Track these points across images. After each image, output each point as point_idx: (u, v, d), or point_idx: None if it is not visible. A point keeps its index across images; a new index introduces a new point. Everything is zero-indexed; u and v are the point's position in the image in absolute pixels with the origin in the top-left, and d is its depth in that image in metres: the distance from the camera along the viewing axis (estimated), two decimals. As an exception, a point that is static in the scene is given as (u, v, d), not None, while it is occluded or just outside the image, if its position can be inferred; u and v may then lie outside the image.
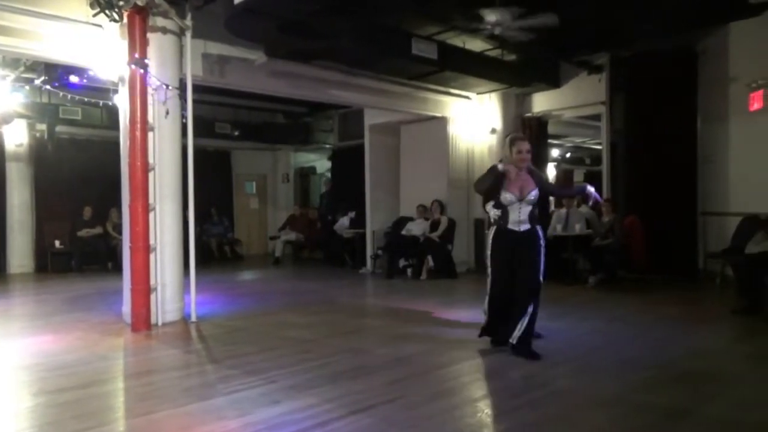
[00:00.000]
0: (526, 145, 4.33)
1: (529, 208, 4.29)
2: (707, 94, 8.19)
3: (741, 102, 7.37)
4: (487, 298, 4.55)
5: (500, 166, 4.29)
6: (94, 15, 5.27)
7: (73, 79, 7.30)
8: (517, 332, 4.22)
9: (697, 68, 8.27)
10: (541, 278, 4.33)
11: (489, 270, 4.50)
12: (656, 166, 8.39)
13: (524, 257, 4.28)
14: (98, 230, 10.58)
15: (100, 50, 5.65)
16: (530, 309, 4.24)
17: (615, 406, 3.30)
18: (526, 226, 4.29)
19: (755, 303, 5.69)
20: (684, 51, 8.29)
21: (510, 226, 4.31)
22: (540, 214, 9.70)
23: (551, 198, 11.35)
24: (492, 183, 4.32)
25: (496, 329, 4.48)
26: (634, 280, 8.13)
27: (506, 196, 4.28)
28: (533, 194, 4.27)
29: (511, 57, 8.39)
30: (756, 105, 6.94)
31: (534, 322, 4.30)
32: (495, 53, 8.10)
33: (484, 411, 3.36)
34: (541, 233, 4.38)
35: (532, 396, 3.50)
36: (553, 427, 3.04)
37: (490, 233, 4.47)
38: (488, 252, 4.50)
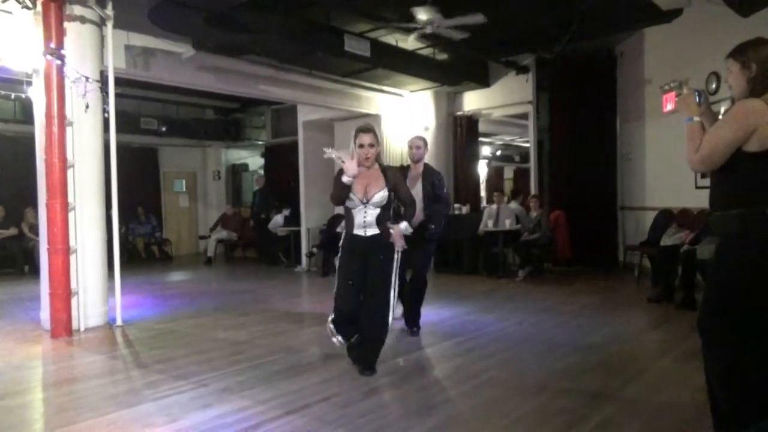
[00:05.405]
0: (368, 138, 3.70)
1: (377, 211, 3.73)
2: (625, 95, 8.68)
3: (655, 103, 7.83)
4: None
5: (332, 154, 3.65)
6: (4, 1, 4.93)
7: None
8: (373, 357, 3.84)
9: (616, 70, 8.75)
10: (393, 294, 3.79)
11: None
12: (579, 163, 8.81)
13: (372, 265, 3.75)
14: (12, 231, 9.92)
15: (11, 39, 5.29)
16: (382, 333, 3.81)
17: (541, 393, 3.44)
18: (373, 231, 3.74)
19: (668, 292, 6.09)
20: (604, 53, 8.74)
21: (355, 230, 3.78)
22: (472, 209, 9.91)
23: (482, 194, 11.68)
24: (341, 188, 3.69)
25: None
26: (559, 272, 8.50)
27: (350, 198, 3.74)
28: (378, 196, 3.70)
29: (443, 56, 8.54)
30: (669, 106, 7.39)
31: (382, 343, 3.90)
32: (427, 52, 8.22)
33: (417, 405, 3.41)
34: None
35: (462, 388, 3.59)
36: (484, 416, 3.13)
37: (341, 239, 3.94)
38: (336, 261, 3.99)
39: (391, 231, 3.80)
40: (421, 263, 5.01)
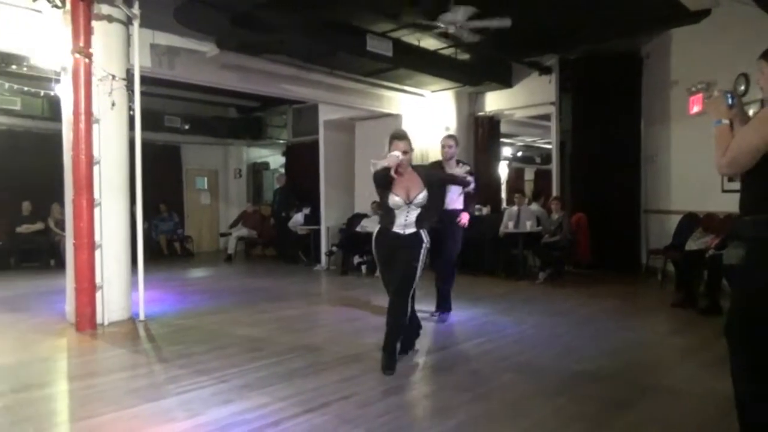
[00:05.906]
0: (403, 145, 3.91)
1: (417, 211, 3.96)
2: (650, 97, 8.53)
3: (681, 105, 7.70)
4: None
5: (377, 163, 3.83)
6: (34, 0, 5.03)
7: (12, 67, 6.96)
8: (393, 349, 3.99)
9: (641, 71, 8.61)
10: (416, 282, 4.01)
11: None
12: (602, 165, 8.69)
13: (401, 259, 3.96)
14: (39, 226, 10.14)
15: (41, 37, 5.39)
16: (401, 328, 4.01)
17: (560, 397, 3.41)
18: (411, 230, 3.98)
19: (692, 297, 5.98)
20: (629, 54, 8.61)
21: (395, 228, 3.98)
22: (493, 210, 9.89)
23: (503, 195, 11.61)
24: (382, 182, 3.90)
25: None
26: (580, 275, 8.40)
27: (394, 199, 3.91)
28: (421, 197, 3.93)
29: (465, 56, 8.50)
30: (695, 108, 7.27)
31: (399, 336, 4.12)
32: (449, 52, 8.19)
33: (435, 406, 3.40)
34: (425, 237, 4.02)
35: (480, 390, 3.57)
36: (501, 419, 3.11)
37: (374, 233, 4.14)
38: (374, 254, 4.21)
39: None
40: (450, 250, 5.46)
